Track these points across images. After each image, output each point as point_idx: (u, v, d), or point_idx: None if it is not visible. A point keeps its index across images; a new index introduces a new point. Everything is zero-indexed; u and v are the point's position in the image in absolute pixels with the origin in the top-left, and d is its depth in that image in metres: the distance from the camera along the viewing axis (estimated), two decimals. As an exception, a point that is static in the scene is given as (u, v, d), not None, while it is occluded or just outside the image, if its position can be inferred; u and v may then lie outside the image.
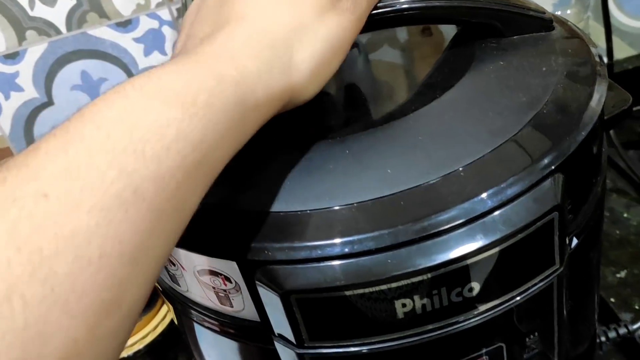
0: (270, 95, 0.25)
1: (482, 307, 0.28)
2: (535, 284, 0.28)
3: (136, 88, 0.21)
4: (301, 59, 0.26)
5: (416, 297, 0.26)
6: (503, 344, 0.31)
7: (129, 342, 0.63)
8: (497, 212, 0.26)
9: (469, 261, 0.25)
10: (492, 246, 0.25)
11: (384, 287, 0.25)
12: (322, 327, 0.27)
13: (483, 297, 0.27)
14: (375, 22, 0.31)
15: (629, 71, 0.76)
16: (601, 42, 0.71)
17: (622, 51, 0.77)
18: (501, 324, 0.30)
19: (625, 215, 0.65)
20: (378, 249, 0.25)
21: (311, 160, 0.29)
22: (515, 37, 0.35)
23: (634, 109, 0.78)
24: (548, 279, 0.29)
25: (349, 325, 0.27)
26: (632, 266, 0.59)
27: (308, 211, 0.26)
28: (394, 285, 0.25)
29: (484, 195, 0.25)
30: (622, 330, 0.52)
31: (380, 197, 0.26)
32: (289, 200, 0.27)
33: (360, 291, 0.25)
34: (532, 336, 0.31)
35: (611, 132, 0.68)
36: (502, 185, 0.26)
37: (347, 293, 0.25)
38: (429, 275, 0.25)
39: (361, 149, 0.29)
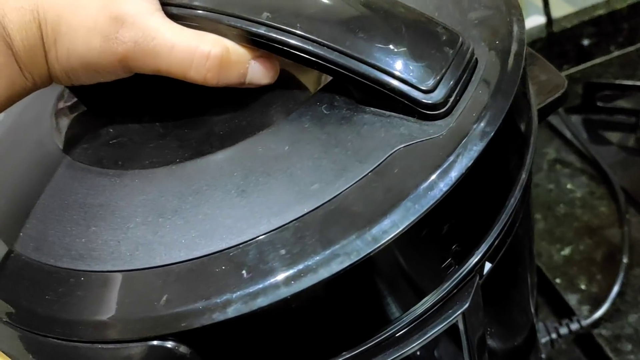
0: (32, 73, 0.27)
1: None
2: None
3: None
4: (55, 58, 0.27)
5: None
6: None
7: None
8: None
9: None
10: None
11: None
12: None
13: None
14: None
15: (568, 30, 0.72)
16: (538, 2, 0.67)
17: (559, 9, 0.73)
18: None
19: (569, 186, 0.62)
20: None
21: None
22: (369, 108, 0.25)
23: (577, 69, 0.76)
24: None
25: None
26: (578, 242, 0.57)
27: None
28: None
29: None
30: (575, 326, 0.49)
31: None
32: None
33: None
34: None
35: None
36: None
37: None
38: None
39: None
